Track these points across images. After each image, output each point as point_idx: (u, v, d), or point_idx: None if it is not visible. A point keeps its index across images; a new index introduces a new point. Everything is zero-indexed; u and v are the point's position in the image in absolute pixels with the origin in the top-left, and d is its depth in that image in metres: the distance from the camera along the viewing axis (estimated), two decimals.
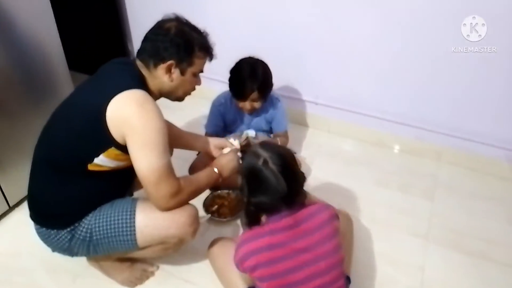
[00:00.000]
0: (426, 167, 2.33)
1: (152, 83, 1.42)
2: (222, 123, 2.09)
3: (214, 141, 1.81)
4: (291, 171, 1.26)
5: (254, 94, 1.89)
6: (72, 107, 1.41)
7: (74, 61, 2.29)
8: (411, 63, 2.16)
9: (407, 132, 2.39)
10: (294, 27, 2.31)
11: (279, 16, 2.31)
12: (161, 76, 1.40)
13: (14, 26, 1.72)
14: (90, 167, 1.35)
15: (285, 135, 2.13)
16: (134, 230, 1.39)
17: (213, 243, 1.64)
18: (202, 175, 1.54)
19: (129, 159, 1.33)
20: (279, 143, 2.08)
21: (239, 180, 1.30)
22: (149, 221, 1.40)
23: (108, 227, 1.40)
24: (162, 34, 1.37)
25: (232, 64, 1.97)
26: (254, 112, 2.05)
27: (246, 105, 1.94)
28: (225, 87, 2.08)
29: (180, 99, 1.53)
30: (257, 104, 1.95)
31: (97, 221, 1.41)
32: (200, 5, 2.45)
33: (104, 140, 1.30)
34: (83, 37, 2.82)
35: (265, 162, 1.22)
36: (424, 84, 2.20)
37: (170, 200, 1.37)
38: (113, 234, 1.40)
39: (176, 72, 1.41)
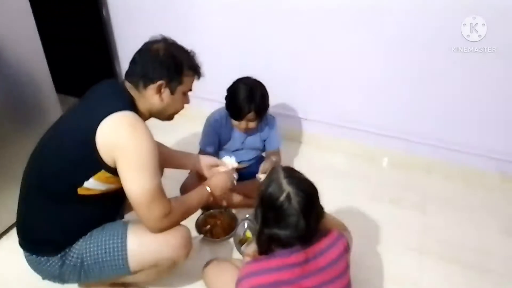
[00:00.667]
0: (416, 179, 2.35)
1: (142, 104, 1.42)
2: (217, 140, 2.07)
3: (205, 160, 1.80)
4: (313, 210, 1.18)
5: (251, 115, 1.89)
6: (61, 132, 1.39)
7: (62, 84, 2.28)
8: (397, 77, 2.20)
9: (397, 145, 2.41)
10: (283, 46, 2.34)
11: (268, 37, 2.34)
12: (151, 96, 1.40)
13: None
14: (80, 191, 1.33)
15: (278, 153, 2.13)
16: (126, 254, 1.37)
17: (207, 264, 1.61)
18: (193, 194, 1.53)
19: (119, 182, 1.31)
20: (271, 162, 2.07)
21: (256, 205, 1.24)
22: (141, 245, 1.38)
23: (99, 252, 1.37)
24: (150, 56, 1.38)
25: (223, 84, 1.96)
26: (249, 131, 2.05)
27: (242, 124, 1.93)
28: (216, 107, 2.09)
29: (170, 118, 1.53)
30: (252, 124, 1.94)
31: (88, 246, 1.38)
32: (190, 26, 2.47)
33: (95, 163, 1.29)
34: (70, 60, 2.82)
35: (288, 198, 1.15)
36: (411, 97, 2.23)
37: (163, 221, 1.35)
38: (104, 259, 1.37)
39: (166, 92, 1.41)
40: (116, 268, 1.38)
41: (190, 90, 1.51)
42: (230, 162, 1.78)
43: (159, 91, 1.39)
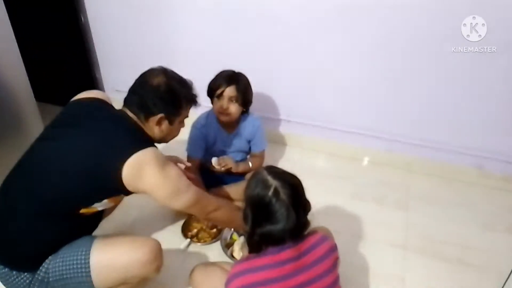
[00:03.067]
0: (398, 178, 2.39)
1: (146, 132, 1.49)
2: (205, 144, 2.07)
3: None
4: (300, 202, 1.22)
5: (231, 90, 1.90)
6: (66, 160, 1.32)
7: (41, 92, 2.25)
8: (376, 78, 2.23)
9: (378, 145, 2.45)
10: (265, 49, 2.35)
11: (250, 40, 2.35)
12: (152, 127, 1.48)
13: None
14: (83, 210, 1.34)
15: (261, 155, 2.15)
16: (89, 272, 1.32)
17: (194, 269, 1.59)
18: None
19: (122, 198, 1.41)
20: (254, 163, 2.09)
21: (244, 207, 1.25)
22: (106, 261, 1.33)
23: (63, 268, 1.33)
24: (151, 90, 1.45)
25: (206, 89, 1.98)
26: (233, 130, 2.06)
27: (224, 104, 1.92)
28: (200, 112, 2.08)
29: (166, 142, 1.62)
30: (233, 107, 1.93)
31: (54, 261, 1.34)
32: (171, 31, 2.46)
33: (115, 190, 1.35)
34: (49, 67, 2.77)
35: (276, 192, 1.17)
36: (391, 97, 2.27)
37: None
38: (68, 276, 1.32)
39: (165, 123, 1.49)
40: (80, 285, 1.34)
41: (187, 117, 1.59)
42: (215, 163, 1.90)
43: (159, 123, 1.48)
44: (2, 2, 1.75)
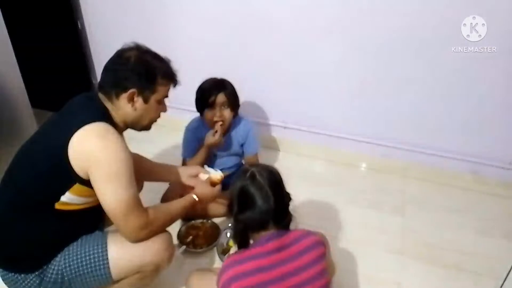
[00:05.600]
0: (394, 183, 2.39)
1: (116, 114, 1.39)
2: (199, 147, 2.08)
3: (187, 170, 1.78)
4: (278, 186, 1.27)
5: (222, 97, 1.92)
6: (34, 147, 1.37)
7: (37, 99, 2.25)
8: (373, 84, 2.25)
9: (374, 151, 2.46)
10: (260, 54, 2.37)
11: (245, 45, 2.37)
12: (124, 105, 1.37)
13: None
14: (58, 206, 1.31)
15: (255, 158, 2.15)
16: (108, 263, 1.36)
17: (191, 275, 1.59)
18: (179, 202, 1.53)
19: (96, 195, 1.31)
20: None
21: (230, 200, 1.30)
22: (123, 252, 1.37)
23: (80, 264, 1.35)
24: (122, 63, 1.35)
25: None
26: (225, 133, 2.06)
27: (216, 113, 1.94)
28: (193, 116, 2.10)
29: (146, 128, 1.49)
30: (226, 113, 1.96)
31: (67, 260, 1.36)
32: (167, 36, 2.48)
33: (69, 177, 1.27)
34: (45, 73, 2.77)
35: (253, 175, 1.24)
36: (387, 103, 2.29)
37: (140, 232, 1.34)
38: (85, 271, 1.36)
39: (139, 101, 1.38)
40: (99, 278, 1.37)
41: (166, 96, 1.46)
42: (216, 174, 1.73)
43: (131, 99, 1.36)
44: None
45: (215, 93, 1.92)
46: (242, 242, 1.30)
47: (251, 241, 1.30)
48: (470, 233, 2.06)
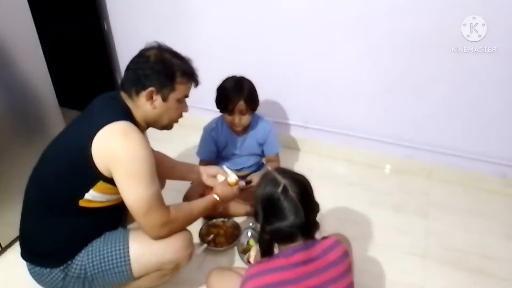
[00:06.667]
0: (417, 185, 2.35)
1: (137, 113, 1.41)
2: (215, 148, 2.11)
3: (207, 170, 1.80)
4: (309, 200, 1.23)
5: (241, 105, 1.91)
6: (59, 146, 1.41)
7: (65, 98, 2.30)
8: (396, 83, 2.22)
9: (397, 152, 2.42)
10: (281, 54, 2.36)
11: (266, 45, 2.37)
12: (143, 104, 1.38)
13: (3, 66, 1.73)
14: (82, 203, 1.35)
15: (277, 159, 2.15)
16: (129, 260, 1.39)
17: (211, 274, 1.60)
18: (201, 202, 1.54)
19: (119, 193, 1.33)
20: (270, 168, 2.09)
21: (254, 206, 1.27)
22: (144, 249, 1.40)
23: (102, 260, 1.38)
24: (142, 62, 1.37)
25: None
26: (244, 131, 2.07)
27: (235, 119, 1.95)
28: (213, 116, 2.11)
29: (167, 127, 1.50)
30: (245, 118, 1.97)
31: (90, 256, 1.39)
32: (187, 35, 2.50)
33: (92, 175, 1.30)
34: (73, 74, 2.85)
35: (285, 189, 1.19)
36: (410, 103, 2.25)
37: (162, 229, 1.37)
38: (107, 268, 1.38)
39: (158, 99, 1.39)
40: (120, 275, 1.40)
41: (187, 96, 1.47)
42: (231, 177, 1.72)
43: (150, 98, 1.37)
44: (29, 9, 1.80)
45: (234, 100, 1.90)
46: (267, 251, 1.26)
47: (276, 250, 1.26)
48: (496, 237, 2.01)
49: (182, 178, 1.84)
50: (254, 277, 1.19)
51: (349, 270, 1.23)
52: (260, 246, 1.28)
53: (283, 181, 1.21)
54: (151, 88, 1.36)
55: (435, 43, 2.03)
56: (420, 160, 2.39)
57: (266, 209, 1.22)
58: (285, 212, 1.18)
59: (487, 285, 1.77)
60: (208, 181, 1.78)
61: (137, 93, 1.38)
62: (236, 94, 1.90)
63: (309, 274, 1.17)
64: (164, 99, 1.40)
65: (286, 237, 1.21)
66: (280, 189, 1.19)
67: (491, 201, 2.24)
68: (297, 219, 1.18)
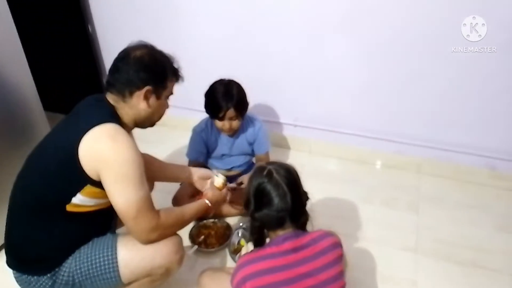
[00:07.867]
0: (408, 180, 2.36)
1: (126, 114, 1.39)
2: (205, 149, 2.09)
3: (198, 172, 1.79)
4: (295, 184, 1.26)
5: (231, 112, 1.90)
6: (45, 150, 1.38)
7: (49, 102, 2.27)
8: (385, 80, 2.22)
9: (387, 147, 2.42)
10: (272, 54, 2.35)
11: (256, 44, 2.35)
12: (137, 103, 1.37)
13: None
14: (69, 208, 1.32)
15: (267, 157, 2.14)
16: (117, 266, 1.36)
17: (203, 274, 1.59)
18: (192, 206, 1.53)
19: (107, 196, 1.31)
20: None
21: (247, 198, 1.30)
22: (133, 255, 1.37)
23: (90, 267, 1.36)
24: (134, 63, 1.35)
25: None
26: (234, 134, 2.06)
27: (225, 124, 1.94)
28: (201, 117, 2.10)
29: (153, 124, 1.51)
30: (235, 123, 1.95)
31: (78, 262, 1.37)
32: (177, 38, 2.48)
33: (80, 178, 1.28)
34: (57, 77, 2.81)
35: (270, 173, 1.24)
36: (399, 99, 2.25)
37: (151, 234, 1.34)
38: (95, 274, 1.36)
39: (152, 98, 1.39)
40: (109, 281, 1.37)
41: (172, 93, 1.49)
42: (218, 181, 1.71)
43: (146, 97, 1.37)
44: (9, 11, 1.77)
45: (224, 108, 1.88)
46: (258, 240, 1.30)
47: (267, 240, 1.29)
48: (488, 229, 2.02)
49: (171, 179, 1.82)
50: (245, 265, 1.21)
51: (339, 259, 1.25)
52: (251, 235, 1.31)
53: (268, 167, 1.27)
54: (147, 88, 1.35)
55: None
56: (410, 154, 2.40)
57: (255, 197, 1.27)
58: (271, 195, 1.22)
59: (479, 277, 1.78)
60: (197, 183, 1.77)
61: (131, 93, 1.36)
62: (226, 102, 1.88)
63: (299, 261, 1.20)
64: (158, 97, 1.41)
65: (275, 223, 1.24)
66: (265, 173, 1.25)
67: (481, 193, 2.25)
68: (282, 202, 1.21)
